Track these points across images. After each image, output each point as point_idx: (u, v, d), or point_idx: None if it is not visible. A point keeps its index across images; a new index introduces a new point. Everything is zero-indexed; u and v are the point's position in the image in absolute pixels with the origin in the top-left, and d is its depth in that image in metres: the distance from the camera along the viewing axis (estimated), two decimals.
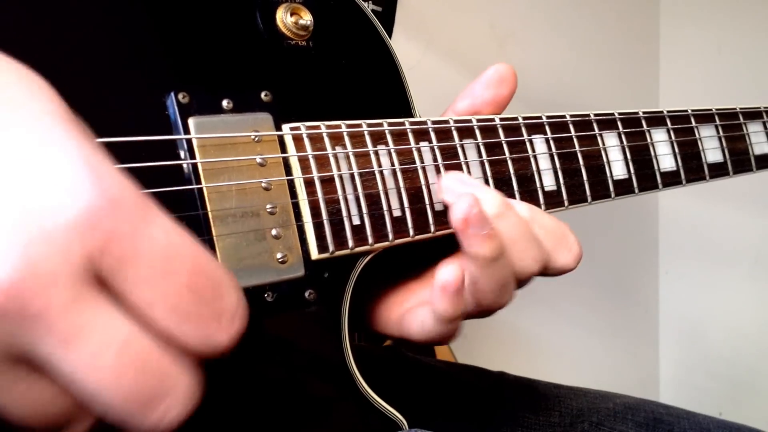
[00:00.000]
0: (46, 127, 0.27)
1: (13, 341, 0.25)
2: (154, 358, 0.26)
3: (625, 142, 0.58)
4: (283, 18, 0.46)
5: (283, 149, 0.43)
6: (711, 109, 0.65)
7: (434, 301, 0.43)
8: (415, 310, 0.49)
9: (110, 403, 0.26)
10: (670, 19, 2.00)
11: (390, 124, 0.48)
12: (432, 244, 0.49)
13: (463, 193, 0.44)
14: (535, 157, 0.53)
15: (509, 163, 0.52)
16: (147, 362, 0.26)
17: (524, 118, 0.53)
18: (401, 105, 0.52)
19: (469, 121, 0.51)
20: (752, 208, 1.79)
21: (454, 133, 0.50)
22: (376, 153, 0.47)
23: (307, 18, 0.47)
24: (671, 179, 0.61)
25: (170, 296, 0.27)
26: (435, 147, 0.49)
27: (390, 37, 0.54)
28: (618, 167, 0.58)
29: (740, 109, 0.68)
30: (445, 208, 0.49)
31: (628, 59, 1.96)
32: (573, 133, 0.55)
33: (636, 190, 0.58)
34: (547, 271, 0.48)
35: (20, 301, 0.24)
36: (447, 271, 0.42)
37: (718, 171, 0.65)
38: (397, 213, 0.47)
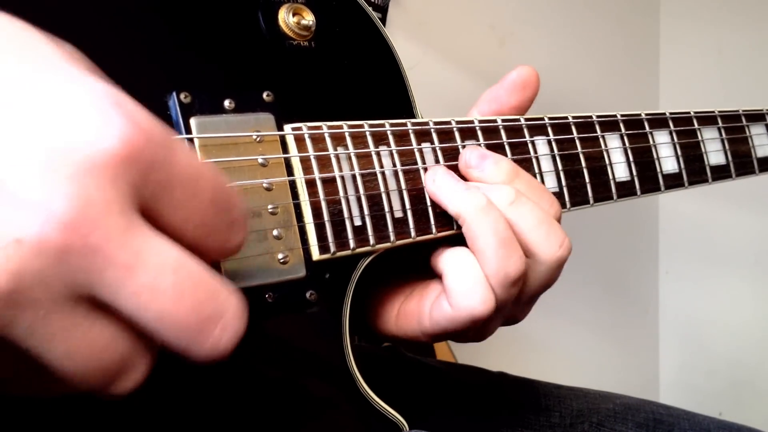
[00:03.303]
0: (68, 69, 0.28)
1: (75, 276, 0.25)
2: (205, 278, 0.27)
3: (627, 144, 0.58)
4: (286, 18, 0.46)
5: (285, 149, 0.43)
6: (714, 111, 0.65)
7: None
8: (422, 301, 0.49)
9: (173, 328, 0.27)
10: (670, 19, 2.00)
11: (392, 125, 0.48)
12: (433, 245, 0.49)
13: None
14: (537, 158, 0.53)
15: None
16: (200, 282, 0.27)
17: (526, 119, 0.53)
18: (403, 105, 0.52)
19: (471, 122, 0.51)
20: (752, 208, 1.80)
21: (456, 134, 0.50)
22: (378, 154, 0.47)
23: (309, 18, 0.47)
24: (674, 181, 0.61)
25: (200, 212, 0.29)
26: (437, 148, 0.49)
27: None
28: (620, 169, 0.57)
29: (743, 111, 0.68)
30: None
31: (628, 59, 1.96)
32: (575, 134, 0.55)
33: (638, 192, 0.58)
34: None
35: (82, 233, 0.25)
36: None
37: (721, 173, 0.65)
38: (398, 214, 0.47)
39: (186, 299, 0.27)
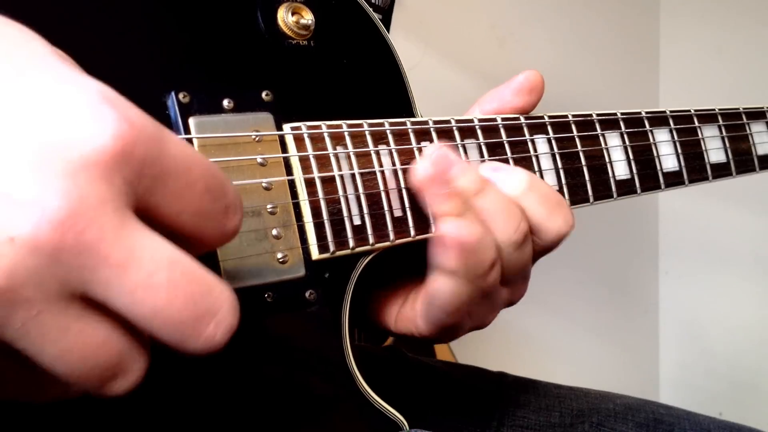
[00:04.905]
0: (58, 67, 0.28)
1: (68, 275, 0.25)
2: (199, 274, 0.27)
3: (627, 142, 0.58)
4: (285, 17, 0.46)
5: (284, 149, 0.43)
6: (714, 109, 0.65)
7: (439, 256, 0.44)
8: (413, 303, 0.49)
9: (167, 323, 0.27)
10: (670, 19, 2.00)
11: (391, 124, 0.48)
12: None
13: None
14: (537, 157, 0.53)
15: (511, 163, 0.52)
16: (194, 279, 0.27)
17: (526, 118, 0.53)
18: (403, 105, 0.52)
19: (471, 121, 0.51)
20: (752, 208, 1.80)
21: (456, 133, 0.50)
22: (377, 153, 0.47)
23: (308, 17, 0.47)
24: (674, 179, 0.61)
25: (195, 201, 0.29)
26: None
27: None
28: (620, 167, 0.57)
29: (743, 109, 0.68)
30: None
31: (628, 59, 1.96)
32: (575, 132, 0.55)
33: (638, 191, 0.58)
34: (540, 237, 0.49)
35: (75, 233, 0.25)
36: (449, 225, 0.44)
37: (721, 171, 0.65)
38: (398, 213, 0.47)
39: (180, 295, 0.27)
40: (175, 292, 0.26)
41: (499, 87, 0.54)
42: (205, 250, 0.30)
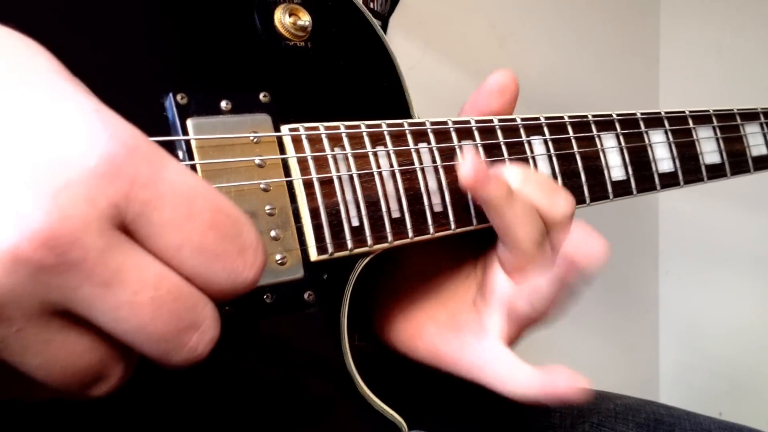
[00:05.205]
0: (54, 84, 0.27)
1: (49, 293, 0.25)
2: (184, 292, 0.27)
3: (623, 144, 0.58)
4: (282, 18, 0.46)
5: (282, 150, 0.43)
6: (708, 111, 0.65)
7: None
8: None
9: (150, 339, 0.27)
10: (670, 19, 2.00)
11: (389, 125, 0.48)
12: (432, 244, 0.49)
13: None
14: (533, 158, 0.53)
15: (508, 164, 0.52)
16: (179, 296, 0.27)
17: (522, 119, 0.53)
18: (400, 106, 0.52)
19: (468, 122, 0.51)
20: (752, 208, 1.79)
21: (453, 135, 0.50)
22: (375, 154, 0.47)
23: (305, 19, 0.47)
24: (669, 180, 0.61)
25: (196, 237, 0.27)
26: (434, 148, 0.49)
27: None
28: (616, 169, 0.57)
29: (737, 110, 0.68)
30: (444, 209, 0.49)
31: (628, 59, 1.96)
32: (571, 134, 0.55)
33: (634, 192, 0.58)
34: (551, 220, 0.49)
35: (58, 251, 0.24)
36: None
37: (716, 172, 0.65)
38: (396, 214, 0.47)
39: (165, 312, 0.26)
40: (160, 310, 0.26)
41: (473, 95, 0.53)
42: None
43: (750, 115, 0.69)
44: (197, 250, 0.27)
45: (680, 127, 0.63)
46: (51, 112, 0.26)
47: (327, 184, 0.44)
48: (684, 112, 0.63)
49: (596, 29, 1.87)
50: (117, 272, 0.25)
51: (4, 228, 0.24)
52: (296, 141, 0.44)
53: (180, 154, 0.39)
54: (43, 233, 0.24)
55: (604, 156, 0.57)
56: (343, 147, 0.45)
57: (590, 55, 1.86)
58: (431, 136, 0.49)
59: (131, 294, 0.26)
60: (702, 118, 0.65)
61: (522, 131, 0.53)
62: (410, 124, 0.49)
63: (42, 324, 0.25)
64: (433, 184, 0.48)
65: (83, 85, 0.29)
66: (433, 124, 0.50)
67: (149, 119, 0.39)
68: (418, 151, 0.48)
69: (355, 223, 0.45)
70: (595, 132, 0.57)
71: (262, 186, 0.42)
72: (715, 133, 0.65)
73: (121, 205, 0.26)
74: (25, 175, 0.25)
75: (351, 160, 0.45)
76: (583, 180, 0.55)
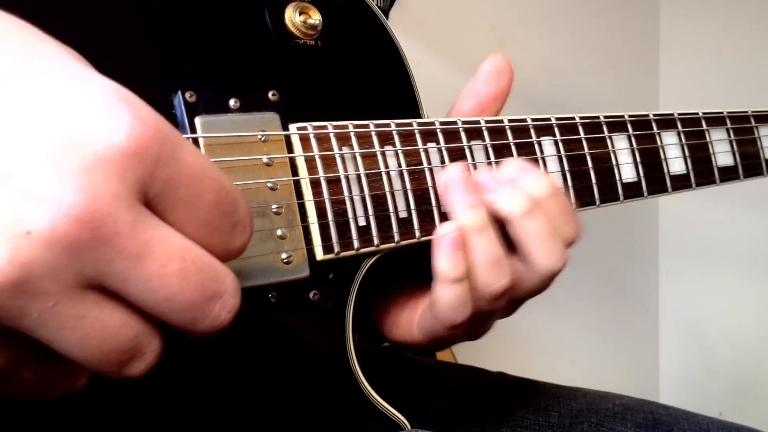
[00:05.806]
0: (74, 66, 0.28)
1: (83, 268, 0.26)
2: (206, 263, 0.29)
3: (634, 145, 0.58)
4: (292, 17, 0.46)
5: (290, 149, 0.43)
6: (722, 113, 0.65)
7: (434, 258, 0.45)
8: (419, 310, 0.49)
9: (178, 308, 0.28)
10: (670, 19, 2.00)
11: (397, 125, 0.47)
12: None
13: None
14: (543, 159, 0.53)
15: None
16: (202, 267, 0.28)
17: (533, 120, 0.53)
18: (410, 105, 0.52)
19: (478, 122, 0.51)
20: (752, 208, 1.80)
21: (462, 135, 0.50)
22: (383, 154, 0.46)
23: (315, 17, 0.47)
24: (681, 183, 0.61)
25: (203, 212, 0.29)
26: (443, 148, 0.49)
27: None
28: (627, 170, 0.57)
29: (752, 112, 0.67)
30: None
31: (628, 59, 1.96)
32: (582, 135, 0.55)
33: (645, 194, 0.58)
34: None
35: (93, 226, 0.25)
36: (445, 226, 0.45)
37: (729, 175, 0.64)
38: (403, 214, 0.46)
39: (191, 282, 0.28)
40: (187, 280, 0.28)
41: (470, 83, 0.54)
42: None
43: (765, 118, 0.68)
44: (202, 224, 0.29)
45: (693, 128, 0.62)
46: (74, 92, 0.27)
47: (334, 183, 0.44)
48: (697, 113, 0.63)
49: (596, 29, 1.87)
50: (146, 245, 0.27)
51: (40, 205, 0.25)
52: (304, 140, 0.44)
53: None
54: (78, 209, 0.25)
55: (615, 157, 0.56)
56: (351, 146, 0.45)
57: (590, 56, 1.86)
58: (440, 136, 0.49)
59: (160, 266, 0.27)
60: (716, 120, 0.64)
61: (532, 132, 0.53)
62: (419, 124, 0.48)
63: (77, 298, 0.26)
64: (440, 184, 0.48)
65: (92, 67, 0.30)
66: (442, 123, 0.49)
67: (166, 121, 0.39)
68: (426, 151, 0.48)
69: (362, 222, 0.45)
70: (606, 133, 0.56)
71: (269, 185, 0.41)
72: (729, 135, 0.65)
73: (146, 182, 0.27)
74: (58, 153, 0.25)
75: (359, 159, 0.45)
76: (594, 181, 0.55)
